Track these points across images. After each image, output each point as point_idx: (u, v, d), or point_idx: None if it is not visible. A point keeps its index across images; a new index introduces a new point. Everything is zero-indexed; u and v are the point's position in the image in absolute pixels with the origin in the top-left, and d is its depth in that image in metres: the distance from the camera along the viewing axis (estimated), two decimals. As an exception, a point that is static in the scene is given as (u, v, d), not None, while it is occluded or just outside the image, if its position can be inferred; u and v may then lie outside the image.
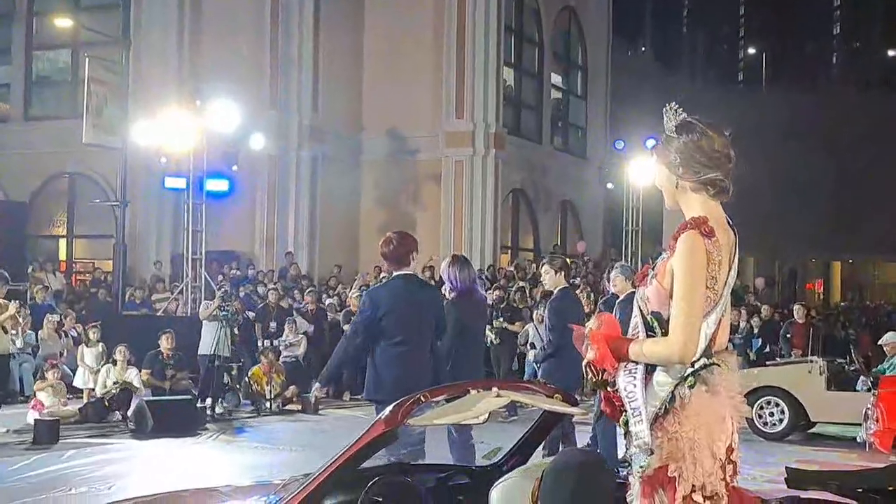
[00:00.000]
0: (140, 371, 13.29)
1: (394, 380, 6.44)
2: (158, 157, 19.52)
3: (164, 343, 13.78)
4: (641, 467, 3.14)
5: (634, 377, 3.19)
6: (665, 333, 3.19)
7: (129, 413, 12.15)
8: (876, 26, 39.57)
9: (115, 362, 13.12)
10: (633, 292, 8.22)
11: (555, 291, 8.88)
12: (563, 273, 8.80)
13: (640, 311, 3.30)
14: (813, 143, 32.54)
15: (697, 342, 3.14)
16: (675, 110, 3.30)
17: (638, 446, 3.13)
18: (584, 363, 3.29)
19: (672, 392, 3.15)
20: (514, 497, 3.47)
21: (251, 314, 16.72)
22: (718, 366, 3.19)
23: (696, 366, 3.16)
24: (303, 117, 23.12)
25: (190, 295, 17.89)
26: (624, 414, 3.20)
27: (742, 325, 16.99)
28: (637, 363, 3.21)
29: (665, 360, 3.16)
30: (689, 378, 3.15)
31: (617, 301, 8.79)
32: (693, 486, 3.11)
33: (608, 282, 9.79)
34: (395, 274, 6.89)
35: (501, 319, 15.84)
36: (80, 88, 21.36)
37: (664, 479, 3.14)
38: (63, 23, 23.53)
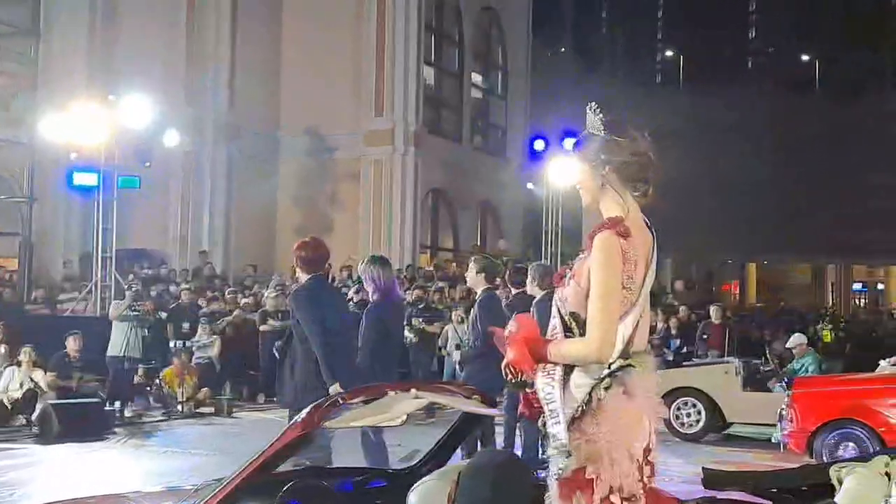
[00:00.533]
0: (45, 373, 12.84)
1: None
2: (67, 153, 18.99)
3: (71, 344, 13.35)
4: (560, 469, 3.12)
5: (553, 378, 3.17)
6: (583, 333, 3.19)
7: (34, 417, 11.76)
8: (791, 31, 40.59)
9: (19, 364, 12.65)
10: (551, 293, 8.21)
11: (479, 292, 8.81)
12: (483, 274, 8.68)
13: (559, 311, 3.30)
14: (729, 145, 33.21)
15: (614, 342, 3.14)
16: (595, 110, 3.31)
17: (556, 448, 3.10)
18: (503, 364, 3.25)
19: (589, 393, 3.14)
20: (432, 500, 3.42)
21: (163, 314, 16.35)
22: (635, 367, 3.19)
23: (613, 367, 3.15)
24: (218, 114, 22.78)
25: (99, 294, 17.42)
26: (542, 416, 3.17)
27: (659, 325, 17.18)
28: (555, 364, 3.19)
29: (582, 359, 3.15)
30: (606, 380, 3.15)
31: (534, 301, 8.80)
32: (611, 487, 3.09)
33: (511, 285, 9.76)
34: (316, 275, 6.88)
35: (420, 320, 15.74)
36: (-13, 81, 20.70)
37: (582, 481, 3.11)
38: (-31, 13, 22.76)
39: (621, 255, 3.15)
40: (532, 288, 8.91)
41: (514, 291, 9.40)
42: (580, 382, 3.16)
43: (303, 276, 7.11)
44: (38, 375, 12.56)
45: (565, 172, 21.23)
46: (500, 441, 8.75)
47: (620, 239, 3.16)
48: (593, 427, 3.12)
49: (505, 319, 8.46)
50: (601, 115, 3.29)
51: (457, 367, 12.05)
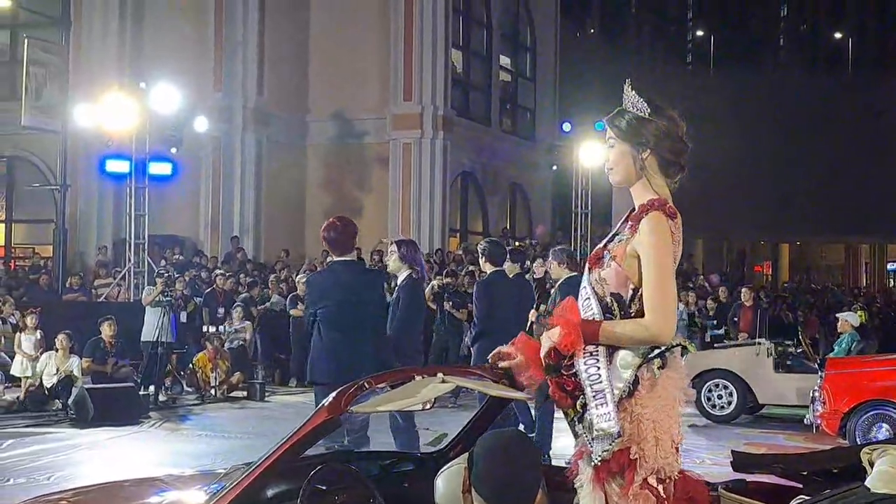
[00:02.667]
0: (81, 359, 12.99)
1: (330, 366, 6.60)
2: (100, 141, 19.15)
3: (106, 330, 13.52)
4: (605, 451, 3.10)
5: (597, 360, 3.15)
6: (624, 315, 3.19)
7: (70, 401, 11.89)
8: (822, 8, 40.05)
9: (56, 350, 12.81)
10: (573, 276, 8.18)
11: (487, 274, 8.85)
12: (485, 258, 8.70)
13: (596, 292, 3.26)
14: (761, 125, 32.88)
15: (675, 322, 3.17)
16: (635, 89, 3.28)
17: (601, 429, 3.08)
18: (545, 348, 3.22)
19: (636, 374, 3.13)
20: (460, 484, 3.40)
21: (198, 299, 16.48)
22: (683, 346, 3.23)
23: (663, 346, 3.15)
24: (248, 99, 22.82)
25: (132, 280, 17.59)
26: (580, 398, 3.16)
27: (692, 308, 17.14)
28: (598, 345, 3.17)
29: (646, 341, 3.13)
30: (657, 359, 3.15)
31: (557, 284, 8.80)
32: (652, 468, 3.09)
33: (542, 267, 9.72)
34: (335, 260, 6.91)
35: (450, 304, 15.70)
36: (19, 70, 20.87)
37: (625, 462, 3.10)
38: (1, 3, 22.94)
39: (670, 235, 3.16)
40: (559, 270, 8.87)
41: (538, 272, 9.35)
42: (626, 363, 3.14)
43: (333, 258, 7.13)
44: (75, 362, 12.70)
45: (595, 154, 21.18)
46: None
47: (668, 220, 3.17)
48: (639, 407, 3.11)
49: (512, 300, 8.54)
50: (644, 96, 3.26)
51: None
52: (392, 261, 7.93)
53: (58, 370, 12.51)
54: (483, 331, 8.33)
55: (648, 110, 3.25)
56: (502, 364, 3.48)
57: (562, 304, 3.31)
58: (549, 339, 3.22)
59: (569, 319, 3.20)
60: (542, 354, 3.25)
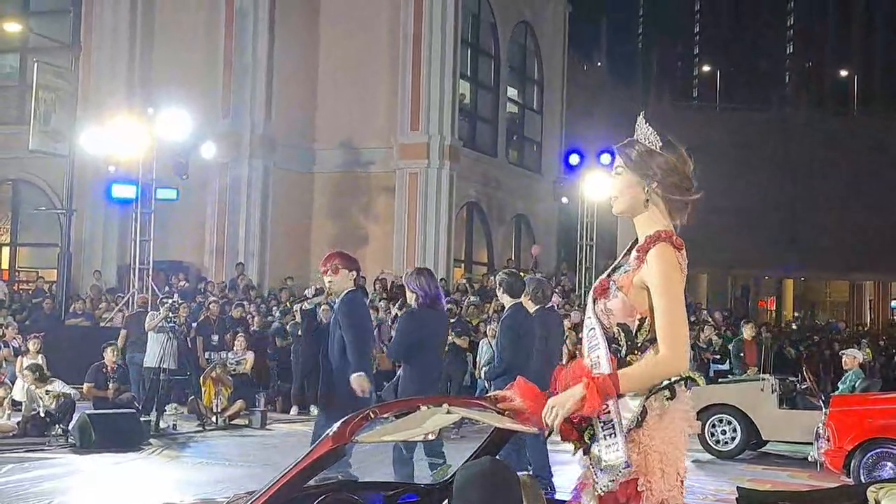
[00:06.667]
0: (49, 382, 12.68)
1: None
2: (106, 166, 19.22)
3: (108, 355, 13.49)
4: (611, 481, 3.08)
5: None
6: (631, 345, 3.20)
7: (71, 427, 11.83)
8: (828, 46, 40.26)
9: (31, 385, 12.52)
10: (542, 309, 8.05)
11: (507, 308, 8.66)
12: (504, 290, 8.46)
13: (601, 323, 3.26)
14: (766, 161, 32.97)
15: (689, 352, 3.17)
16: (647, 123, 3.31)
17: (609, 461, 3.07)
18: (566, 413, 3.11)
19: (644, 405, 3.12)
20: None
21: (194, 325, 16.47)
22: (694, 379, 3.25)
23: (673, 378, 3.15)
24: (255, 127, 22.93)
25: (136, 306, 17.57)
26: (587, 430, 3.15)
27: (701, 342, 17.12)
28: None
29: (665, 375, 3.13)
30: (667, 391, 3.14)
31: (530, 314, 8.69)
32: (657, 501, 3.08)
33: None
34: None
35: (452, 334, 15.67)
36: (28, 94, 21.01)
37: (631, 493, 3.09)
38: (12, 27, 23.14)
39: (679, 266, 3.17)
40: (525, 301, 8.78)
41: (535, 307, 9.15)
42: (637, 392, 3.13)
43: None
44: (57, 386, 12.49)
45: (600, 187, 21.19)
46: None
47: (676, 251, 3.17)
48: (647, 438, 3.10)
49: (532, 332, 8.40)
50: (653, 132, 3.28)
51: (485, 382, 11.96)
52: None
53: (56, 394, 12.36)
54: (507, 368, 8.01)
55: (660, 144, 3.27)
56: (501, 406, 3.48)
57: (571, 367, 3.28)
58: (569, 402, 3.11)
59: (591, 386, 3.10)
60: (557, 419, 3.13)
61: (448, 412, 3.52)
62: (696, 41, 41.34)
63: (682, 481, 3.14)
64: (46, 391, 12.28)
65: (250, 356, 15.77)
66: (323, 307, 13.85)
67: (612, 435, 3.08)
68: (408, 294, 7.89)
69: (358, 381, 6.92)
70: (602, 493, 3.12)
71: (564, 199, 25.86)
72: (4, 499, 8.70)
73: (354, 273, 7.26)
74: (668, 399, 3.14)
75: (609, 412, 3.10)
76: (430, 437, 3.56)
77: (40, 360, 13.50)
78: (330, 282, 7.27)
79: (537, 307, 8.74)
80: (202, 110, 20.35)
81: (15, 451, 11.22)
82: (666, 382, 3.13)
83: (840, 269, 35.91)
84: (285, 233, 23.54)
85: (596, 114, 30.85)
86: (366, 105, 23.98)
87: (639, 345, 3.20)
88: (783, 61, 41.85)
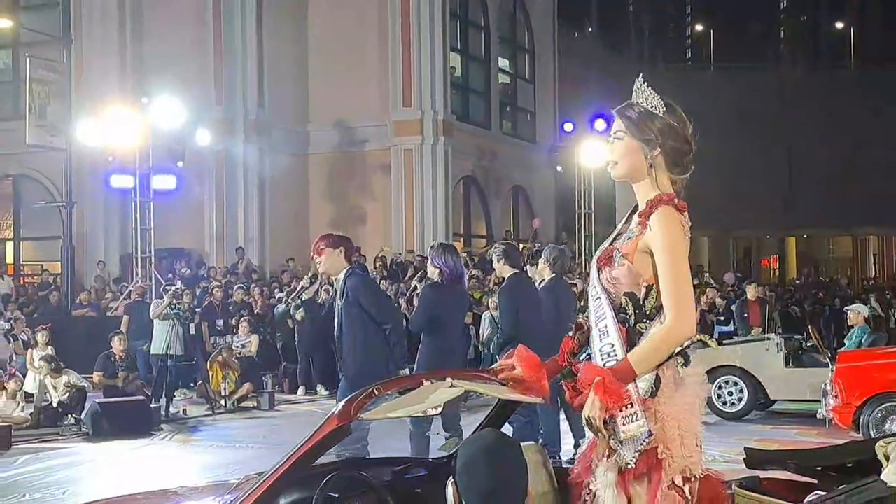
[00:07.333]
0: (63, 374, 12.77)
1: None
2: (104, 157, 19.22)
3: (116, 344, 13.57)
4: (636, 452, 3.02)
5: (616, 360, 3.09)
6: (638, 313, 3.15)
7: (83, 416, 11.92)
8: (822, 0, 39.95)
9: (45, 375, 12.63)
10: (557, 279, 8.02)
11: (505, 278, 8.64)
12: (504, 260, 8.41)
13: (608, 293, 3.21)
14: (763, 120, 32.85)
15: (695, 315, 3.11)
16: (648, 86, 3.23)
17: (628, 431, 2.99)
18: (598, 413, 3.02)
19: (657, 373, 3.08)
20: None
21: (198, 310, 16.55)
22: (707, 343, 3.19)
23: (685, 343, 3.11)
24: (248, 111, 22.88)
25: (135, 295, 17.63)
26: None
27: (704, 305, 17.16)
28: (613, 345, 3.12)
29: (677, 343, 3.08)
30: (679, 357, 3.12)
31: (540, 286, 8.72)
32: (679, 468, 3.05)
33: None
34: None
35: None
36: (22, 89, 20.98)
37: (651, 463, 3.05)
38: (2, 23, 23.05)
39: (682, 228, 3.13)
40: (542, 269, 8.81)
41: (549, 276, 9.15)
42: None
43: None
44: (70, 377, 12.60)
45: (596, 154, 21.17)
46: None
47: (678, 213, 3.14)
48: (664, 406, 3.06)
49: (534, 301, 8.41)
50: (654, 95, 3.21)
51: (490, 351, 12.00)
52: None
53: (55, 388, 12.45)
54: (510, 338, 8.01)
55: (663, 107, 3.20)
56: (501, 377, 3.43)
57: (584, 368, 3.17)
58: (594, 411, 3.00)
59: (598, 385, 3.01)
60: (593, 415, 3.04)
61: (452, 386, 3.55)
62: (687, 1, 41.04)
63: (700, 447, 3.10)
64: (63, 383, 12.38)
65: (255, 339, 15.83)
66: (324, 287, 13.88)
67: (630, 405, 3.00)
68: (430, 269, 7.83)
69: None
70: (628, 466, 3.07)
71: (559, 168, 25.82)
72: (21, 489, 8.79)
73: (342, 249, 7.01)
74: (682, 365, 3.11)
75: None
76: (435, 411, 3.57)
77: (49, 351, 13.58)
78: (319, 263, 7.22)
79: (553, 276, 8.74)
80: (195, 97, 20.31)
81: (29, 441, 11.33)
82: (679, 349, 3.10)
83: (842, 225, 35.83)
84: (284, 215, 23.55)
85: (589, 80, 30.72)
86: (358, 83, 23.90)
87: (647, 313, 3.15)
88: (777, 17, 41.49)
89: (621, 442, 3.04)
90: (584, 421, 3.06)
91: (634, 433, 3.00)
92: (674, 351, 3.10)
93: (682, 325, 3.05)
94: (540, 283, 8.82)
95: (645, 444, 3.01)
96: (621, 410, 3.01)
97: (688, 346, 3.12)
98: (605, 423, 3.02)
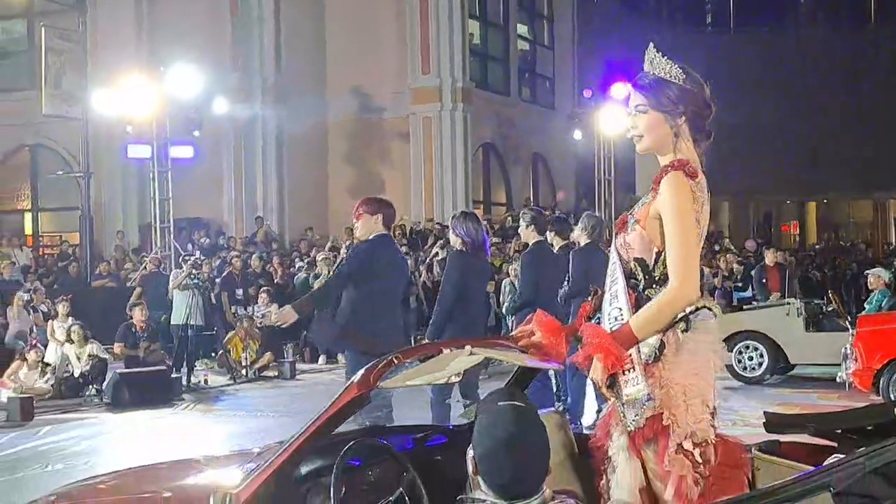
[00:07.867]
0: (91, 344, 12.88)
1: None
2: (121, 126, 19.23)
3: (137, 315, 13.62)
4: (637, 416, 3.09)
5: (622, 324, 3.13)
6: (648, 279, 3.17)
7: (104, 386, 12.00)
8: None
9: (72, 342, 12.79)
10: (593, 245, 8.05)
11: (529, 244, 8.73)
12: (533, 227, 8.51)
13: (620, 257, 3.25)
14: (783, 84, 32.51)
15: (698, 281, 3.11)
16: (660, 56, 3.22)
17: (629, 394, 3.05)
18: (600, 375, 3.09)
19: (661, 338, 3.09)
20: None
21: (217, 280, 16.58)
22: (710, 309, 3.17)
23: (688, 309, 3.11)
24: (266, 79, 22.81)
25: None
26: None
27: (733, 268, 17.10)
28: (621, 309, 3.16)
29: (678, 307, 3.09)
30: (681, 322, 3.11)
31: (572, 252, 8.75)
32: (685, 433, 3.06)
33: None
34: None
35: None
36: (38, 59, 20.95)
37: (658, 428, 3.09)
38: (17, -7, 23.06)
39: (691, 194, 3.11)
40: (579, 234, 8.88)
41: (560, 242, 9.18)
42: None
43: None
44: (94, 347, 12.71)
45: (617, 120, 21.03)
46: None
47: (689, 179, 3.11)
48: (667, 372, 3.08)
49: (557, 269, 8.43)
50: (672, 64, 3.20)
51: (506, 314, 12.04)
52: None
53: (78, 358, 12.54)
54: (527, 301, 8.10)
55: (683, 76, 3.19)
56: (521, 344, 3.43)
57: (587, 329, 3.20)
58: (597, 374, 3.08)
59: (601, 342, 3.07)
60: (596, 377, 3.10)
61: (471, 354, 3.54)
62: (707, -35, 40.54)
63: (712, 413, 3.11)
64: (87, 353, 12.46)
65: (275, 308, 15.85)
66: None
67: (631, 369, 3.05)
68: (452, 238, 7.79)
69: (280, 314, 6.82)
70: (632, 429, 3.12)
71: (578, 135, 25.66)
72: (44, 459, 8.87)
73: (380, 216, 6.79)
74: (683, 331, 3.10)
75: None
76: (455, 379, 3.56)
77: (70, 322, 13.65)
78: (356, 227, 7.10)
79: (588, 243, 8.75)
80: (211, 65, 20.25)
81: (51, 412, 11.43)
82: (681, 315, 3.10)
83: (863, 189, 35.51)
84: (302, 183, 23.54)
85: (608, 46, 30.45)
86: (375, 51, 23.79)
87: (657, 279, 3.17)
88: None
89: (624, 405, 3.10)
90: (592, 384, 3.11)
91: (635, 396, 3.05)
92: (676, 316, 3.10)
93: (685, 290, 3.06)
94: (574, 249, 8.84)
95: (646, 406, 3.05)
96: (623, 374, 3.05)
97: (691, 313, 3.11)
98: (608, 385, 3.07)
